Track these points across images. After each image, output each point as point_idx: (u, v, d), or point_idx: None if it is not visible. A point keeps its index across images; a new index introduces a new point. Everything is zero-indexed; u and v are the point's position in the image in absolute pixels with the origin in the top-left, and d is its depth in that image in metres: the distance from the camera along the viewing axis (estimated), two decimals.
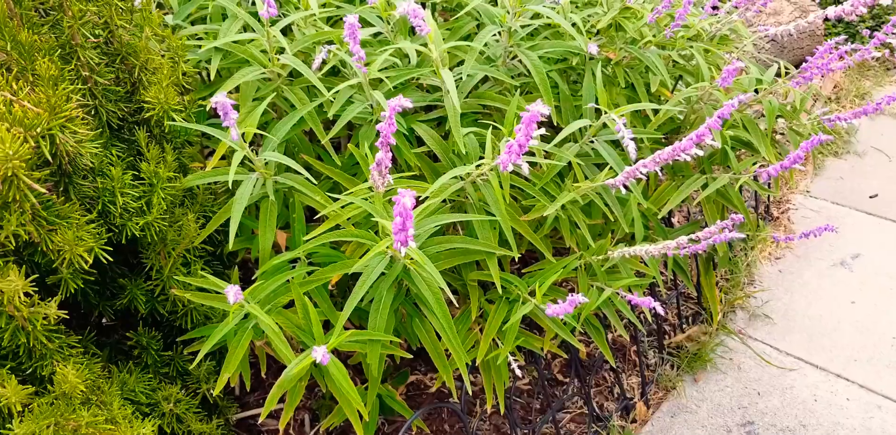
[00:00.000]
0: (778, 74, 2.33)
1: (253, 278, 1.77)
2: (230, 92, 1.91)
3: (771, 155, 2.19)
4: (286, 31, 2.13)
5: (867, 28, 5.51)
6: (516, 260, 2.32)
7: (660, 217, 2.20)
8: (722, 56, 2.33)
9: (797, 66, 2.48)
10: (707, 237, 1.78)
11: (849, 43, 2.29)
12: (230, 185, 1.64)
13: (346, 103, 1.94)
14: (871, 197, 3.83)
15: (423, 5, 2.36)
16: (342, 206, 1.69)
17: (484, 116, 2.15)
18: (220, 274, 2.06)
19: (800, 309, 3.12)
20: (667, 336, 2.85)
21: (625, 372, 2.75)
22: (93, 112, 1.70)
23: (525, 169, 1.60)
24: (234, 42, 1.92)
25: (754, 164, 2.17)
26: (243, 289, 1.48)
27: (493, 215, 1.72)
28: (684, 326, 2.93)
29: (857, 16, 5.46)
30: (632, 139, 1.81)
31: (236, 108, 1.93)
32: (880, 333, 2.99)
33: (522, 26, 1.99)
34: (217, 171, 1.81)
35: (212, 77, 1.94)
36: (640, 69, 2.25)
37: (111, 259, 1.55)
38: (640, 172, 1.73)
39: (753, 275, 3.30)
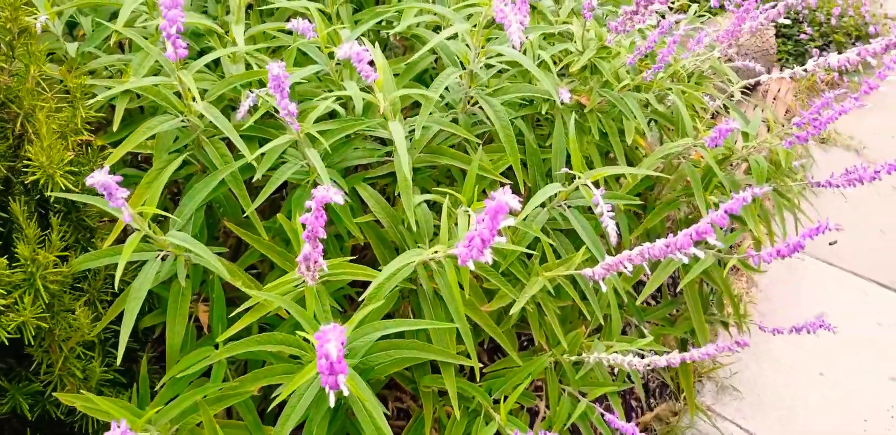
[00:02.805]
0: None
1: (161, 385, 1.46)
2: (149, 138, 1.59)
3: (759, 230, 1.96)
4: (215, 66, 1.82)
5: (816, 48, 5.38)
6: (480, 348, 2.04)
7: (638, 302, 1.94)
8: (700, 97, 2.08)
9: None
10: (693, 357, 1.52)
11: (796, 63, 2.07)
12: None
13: (279, 161, 1.63)
14: (830, 244, 3.63)
15: (378, 34, 2.06)
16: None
17: (441, 173, 1.87)
18: (134, 354, 1.73)
19: (769, 381, 2.92)
20: (633, 414, 2.61)
21: None
22: None
23: (488, 259, 1.33)
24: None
25: (739, 246, 1.92)
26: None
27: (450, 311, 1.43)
28: (651, 401, 2.69)
29: (806, 35, 5.32)
30: (611, 217, 1.55)
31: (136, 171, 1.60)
32: (852, 412, 2.82)
33: (486, 67, 1.70)
34: (111, 250, 1.49)
35: (115, 127, 1.61)
36: (614, 114, 1.99)
37: None
38: (623, 267, 1.46)
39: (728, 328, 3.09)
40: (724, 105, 2.21)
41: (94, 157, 1.64)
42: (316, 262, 1.34)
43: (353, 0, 2.09)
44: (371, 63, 1.47)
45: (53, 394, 1.44)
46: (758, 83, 4.20)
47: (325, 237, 1.25)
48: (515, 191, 1.79)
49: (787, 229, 2.21)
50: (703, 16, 2.47)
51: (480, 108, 1.80)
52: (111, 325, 1.51)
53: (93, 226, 1.64)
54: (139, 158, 2.02)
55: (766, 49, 4.81)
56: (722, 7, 2.39)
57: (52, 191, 1.46)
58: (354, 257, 2.00)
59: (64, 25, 1.81)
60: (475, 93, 1.71)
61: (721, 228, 2.02)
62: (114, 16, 1.79)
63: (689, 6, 2.53)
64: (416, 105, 1.85)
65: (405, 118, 1.76)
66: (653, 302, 2.93)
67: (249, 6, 1.90)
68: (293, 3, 1.77)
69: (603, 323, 1.85)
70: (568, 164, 2.04)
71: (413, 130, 1.67)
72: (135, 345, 1.80)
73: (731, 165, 2.21)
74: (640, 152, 2.14)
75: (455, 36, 1.74)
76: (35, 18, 1.60)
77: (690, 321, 2.12)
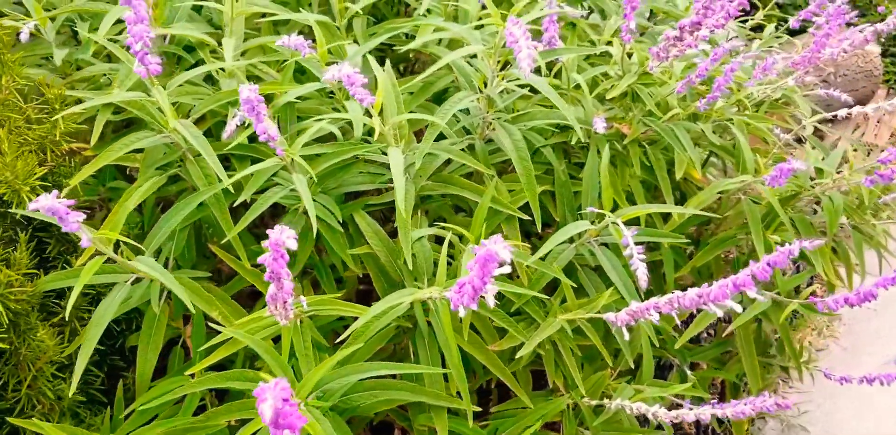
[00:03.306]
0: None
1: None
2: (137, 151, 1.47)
3: (830, 271, 1.69)
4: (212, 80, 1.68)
5: None
6: (483, 386, 1.83)
7: (677, 345, 1.69)
8: (765, 130, 1.82)
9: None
10: (726, 414, 1.28)
11: None
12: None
13: (270, 183, 1.48)
14: None
15: (393, 50, 1.88)
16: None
17: (461, 199, 1.66)
18: (119, 373, 1.60)
19: (844, 421, 2.59)
20: None
21: None
22: None
23: (490, 302, 1.14)
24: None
25: (810, 286, 1.65)
26: None
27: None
28: None
29: None
30: (641, 259, 1.33)
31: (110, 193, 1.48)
32: None
33: (506, 92, 1.50)
34: (78, 270, 1.35)
35: (92, 141, 1.48)
36: (664, 144, 1.75)
37: None
38: (650, 314, 1.25)
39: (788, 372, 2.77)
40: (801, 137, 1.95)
41: (77, 170, 1.53)
42: (286, 302, 1.17)
43: (375, 13, 1.92)
44: (373, 83, 1.29)
45: (7, 418, 1.32)
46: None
47: (291, 275, 1.09)
48: (530, 229, 1.59)
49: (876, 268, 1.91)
50: (781, 37, 2.20)
51: None
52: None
53: (75, 239, 1.53)
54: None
55: (869, 70, 4.42)
56: (804, 29, 2.12)
57: (17, 207, 1.35)
58: (360, 288, 1.84)
59: (66, 31, 1.71)
60: (493, 118, 1.51)
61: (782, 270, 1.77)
62: (118, 21, 1.68)
63: (769, 25, 2.26)
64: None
65: (420, 141, 1.58)
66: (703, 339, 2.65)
67: (263, 15, 1.75)
68: (298, 15, 1.61)
69: (634, 365, 1.62)
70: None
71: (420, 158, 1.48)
72: (121, 363, 1.68)
73: (803, 201, 1.93)
74: (694, 186, 1.89)
75: (476, 55, 1.54)
76: (23, 24, 1.50)
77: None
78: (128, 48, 1.22)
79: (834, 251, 1.89)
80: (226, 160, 1.59)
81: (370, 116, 1.36)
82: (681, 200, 1.95)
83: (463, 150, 1.61)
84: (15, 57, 1.41)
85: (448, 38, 1.72)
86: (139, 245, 1.36)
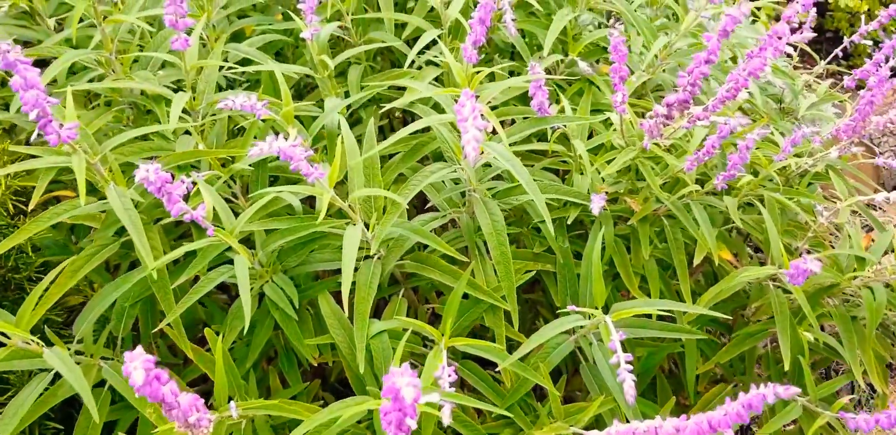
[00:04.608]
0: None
1: None
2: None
3: (875, 375, 1.45)
4: None
5: None
6: None
7: None
8: (805, 210, 1.59)
9: None
10: None
11: None
12: None
13: (222, 256, 1.32)
14: None
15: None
16: None
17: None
18: None
19: None
20: None
21: None
22: None
23: (445, 420, 0.97)
24: None
25: (852, 399, 1.41)
26: None
27: None
28: None
29: None
30: (629, 369, 1.12)
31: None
32: None
33: (485, 166, 1.32)
34: None
35: (30, 206, 1.34)
36: (681, 221, 1.53)
37: None
38: None
39: None
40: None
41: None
42: (188, 421, 1.00)
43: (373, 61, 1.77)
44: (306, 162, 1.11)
45: None
46: None
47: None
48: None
49: None
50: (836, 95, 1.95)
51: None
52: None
53: None
54: None
55: None
56: (859, 87, 1.87)
57: None
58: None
59: None
60: (472, 193, 1.32)
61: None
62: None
63: (821, 85, 2.01)
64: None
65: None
66: None
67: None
68: (264, 67, 1.45)
69: None
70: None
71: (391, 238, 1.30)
72: None
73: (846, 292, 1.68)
74: (723, 269, 1.67)
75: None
76: None
77: None
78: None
79: None
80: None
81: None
82: (710, 279, 1.73)
83: (447, 225, 1.43)
84: None
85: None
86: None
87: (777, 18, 2.35)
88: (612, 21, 2.26)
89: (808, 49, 2.05)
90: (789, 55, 2.31)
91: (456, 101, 1.09)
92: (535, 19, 1.83)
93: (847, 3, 3.84)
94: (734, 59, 2.09)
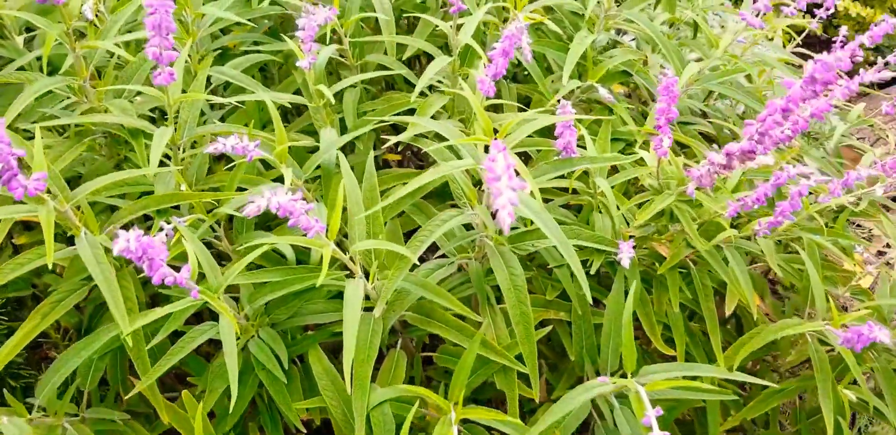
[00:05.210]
0: None
1: None
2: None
3: None
4: None
5: None
6: None
7: None
8: (846, 254, 1.46)
9: None
10: None
11: None
12: None
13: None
14: None
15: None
16: None
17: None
18: None
19: None
20: None
21: None
22: None
23: None
24: None
25: None
26: None
27: None
28: None
29: None
30: None
31: None
32: None
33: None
34: None
35: None
36: (709, 266, 1.39)
37: None
38: None
39: None
40: None
41: None
42: None
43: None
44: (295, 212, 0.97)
45: None
46: None
47: None
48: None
49: None
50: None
51: None
52: None
53: None
54: None
55: None
56: None
57: None
58: None
59: None
60: (485, 239, 1.18)
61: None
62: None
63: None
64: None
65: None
66: None
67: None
68: (253, 96, 1.31)
69: None
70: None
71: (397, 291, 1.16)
72: None
73: None
74: (755, 318, 1.53)
75: None
76: None
77: None
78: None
79: None
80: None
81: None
82: (736, 329, 1.60)
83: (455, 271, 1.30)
84: None
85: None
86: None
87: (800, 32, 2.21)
88: (624, 36, 2.13)
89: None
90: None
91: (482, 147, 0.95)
92: (545, 39, 1.70)
93: (858, 12, 3.72)
94: (749, 78, 1.96)
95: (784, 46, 2.23)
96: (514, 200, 0.79)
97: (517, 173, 0.86)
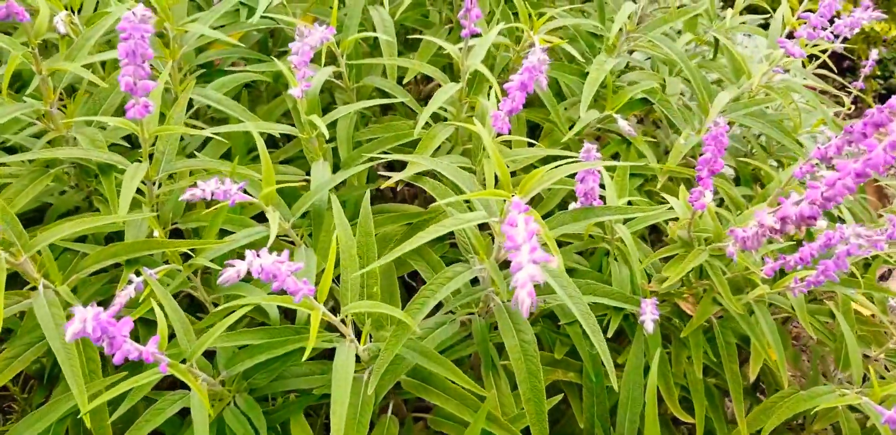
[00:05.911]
0: None
1: None
2: None
3: None
4: None
5: None
6: None
7: None
8: (880, 310, 1.34)
9: None
10: None
11: None
12: None
13: None
14: None
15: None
16: None
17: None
18: None
19: None
20: None
21: None
22: None
23: None
24: None
25: None
26: None
27: None
28: None
29: None
30: None
31: None
32: None
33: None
34: None
35: None
36: (733, 324, 1.27)
37: None
38: None
39: None
40: None
41: None
42: None
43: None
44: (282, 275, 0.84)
45: None
46: None
47: None
48: None
49: None
50: None
51: None
52: None
53: None
54: None
55: None
56: None
57: None
58: None
59: None
60: (493, 296, 1.06)
61: None
62: None
63: None
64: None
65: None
66: None
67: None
68: (238, 127, 1.18)
69: None
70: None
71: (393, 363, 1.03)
72: None
73: None
74: (780, 378, 1.41)
75: None
76: None
77: None
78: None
79: None
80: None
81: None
82: (753, 387, 1.48)
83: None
84: None
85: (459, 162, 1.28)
86: None
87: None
88: (634, 54, 2.00)
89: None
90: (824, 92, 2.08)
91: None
92: (559, 63, 1.57)
93: (873, 27, 3.60)
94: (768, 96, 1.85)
95: (804, 66, 2.11)
96: (536, 277, 0.66)
97: (545, 248, 0.73)
